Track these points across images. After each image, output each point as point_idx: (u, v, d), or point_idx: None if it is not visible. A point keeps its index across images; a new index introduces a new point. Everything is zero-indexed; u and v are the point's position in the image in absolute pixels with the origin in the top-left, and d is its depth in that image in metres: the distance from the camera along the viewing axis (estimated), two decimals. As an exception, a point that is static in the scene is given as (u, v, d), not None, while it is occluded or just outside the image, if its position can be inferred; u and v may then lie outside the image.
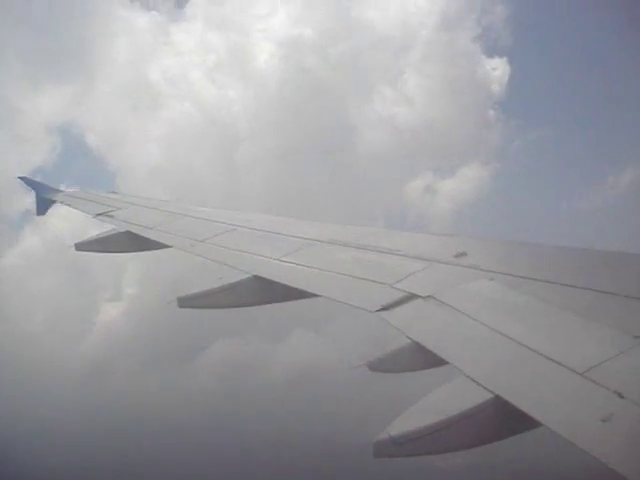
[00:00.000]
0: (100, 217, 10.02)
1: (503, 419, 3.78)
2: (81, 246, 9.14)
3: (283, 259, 6.87)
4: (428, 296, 5.24)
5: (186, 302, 6.65)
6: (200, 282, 6.93)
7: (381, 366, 5.62)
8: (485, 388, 3.85)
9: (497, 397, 3.75)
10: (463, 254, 5.94)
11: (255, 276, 6.59)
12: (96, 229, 9.70)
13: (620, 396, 3.38)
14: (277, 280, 6.44)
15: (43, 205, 12.51)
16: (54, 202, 12.14)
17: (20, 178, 13.43)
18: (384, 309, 5.28)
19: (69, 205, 11.58)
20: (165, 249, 8.40)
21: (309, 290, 6.12)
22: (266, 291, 6.54)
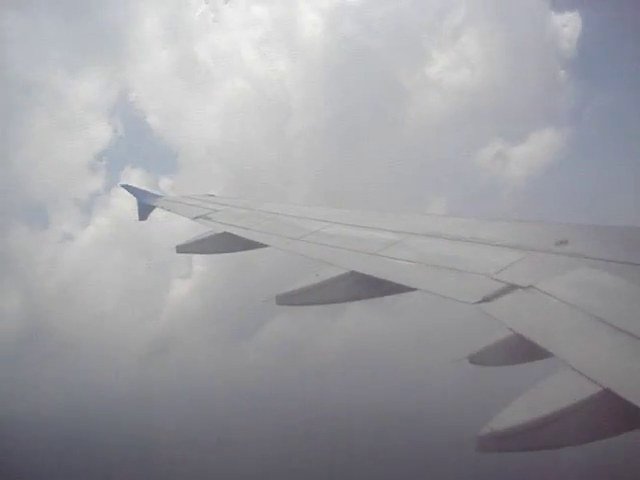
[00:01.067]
0: (198, 220, 10.34)
1: (614, 414, 3.64)
2: (182, 248, 9.49)
3: (379, 253, 6.86)
4: (529, 286, 5.11)
5: (284, 299, 6.75)
6: (298, 279, 7.02)
7: (482, 359, 5.54)
8: (594, 381, 3.72)
9: (607, 390, 3.61)
10: (564, 242, 5.77)
11: (352, 271, 6.61)
12: (195, 232, 9.97)
13: None
14: (374, 275, 6.44)
15: (144, 210, 13.04)
16: (154, 207, 12.61)
17: (122, 186, 14.01)
18: (485, 301, 5.19)
19: (169, 210, 12.01)
20: (263, 248, 8.57)
21: (407, 284, 6.08)
22: (363, 286, 6.55)
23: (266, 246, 8.49)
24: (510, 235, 6.36)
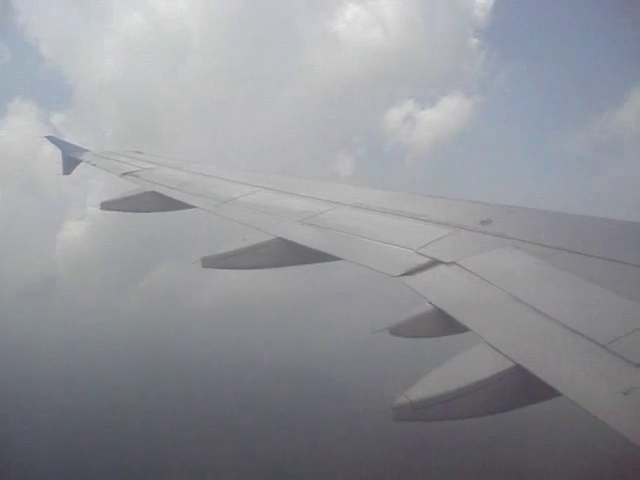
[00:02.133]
0: (126, 176, 10.07)
1: (522, 388, 3.78)
2: (107, 205, 9.20)
3: (307, 221, 6.87)
4: (452, 262, 5.23)
5: (210, 262, 6.69)
6: (224, 243, 6.96)
7: (403, 331, 5.63)
8: (506, 356, 3.85)
9: (518, 366, 3.75)
10: (488, 221, 5.90)
11: (279, 238, 6.60)
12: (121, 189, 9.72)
13: None
14: (301, 243, 6.45)
15: (69, 164, 12.58)
16: (80, 161, 12.20)
17: (47, 137, 13.50)
18: (407, 274, 5.28)
19: (95, 165, 11.64)
20: (190, 209, 8.44)
21: (332, 253, 6.13)
22: (290, 253, 6.55)
23: (193, 207, 8.36)
24: (436, 211, 6.46)
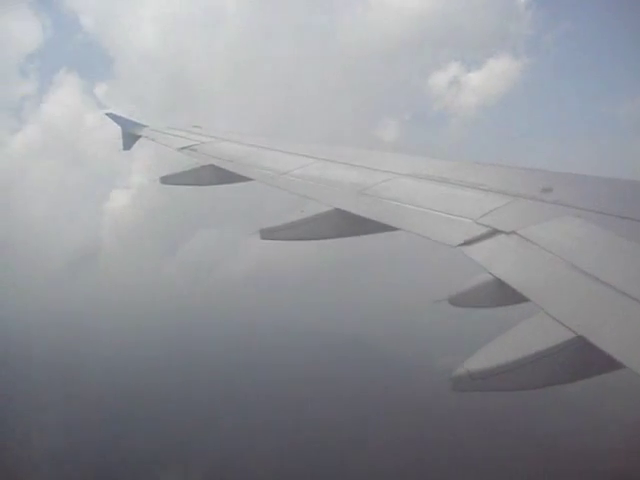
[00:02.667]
0: (184, 150, 10.23)
1: (584, 359, 3.73)
2: (166, 179, 9.36)
3: (365, 192, 6.86)
4: (512, 232, 5.15)
5: (268, 234, 6.76)
6: (283, 215, 7.02)
7: (462, 301, 5.61)
8: (567, 327, 3.80)
9: (579, 337, 3.69)
10: (549, 189, 5.79)
11: (337, 209, 6.62)
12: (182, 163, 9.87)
13: None
14: (358, 213, 6.45)
15: (129, 140, 12.84)
16: (139, 137, 12.44)
17: (107, 114, 13.76)
18: (466, 244, 5.23)
19: (154, 140, 11.84)
20: (248, 182, 8.52)
21: (390, 224, 6.12)
22: (348, 224, 6.57)
23: (251, 180, 8.44)
24: (496, 180, 6.37)
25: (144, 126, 12.79)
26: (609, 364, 3.51)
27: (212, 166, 9.13)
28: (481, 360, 3.92)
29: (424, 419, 42.92)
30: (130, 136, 12.75)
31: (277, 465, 41.94)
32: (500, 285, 4.70)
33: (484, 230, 5.32)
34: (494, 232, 5.25)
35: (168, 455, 43.50)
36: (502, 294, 4.76)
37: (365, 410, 45.95)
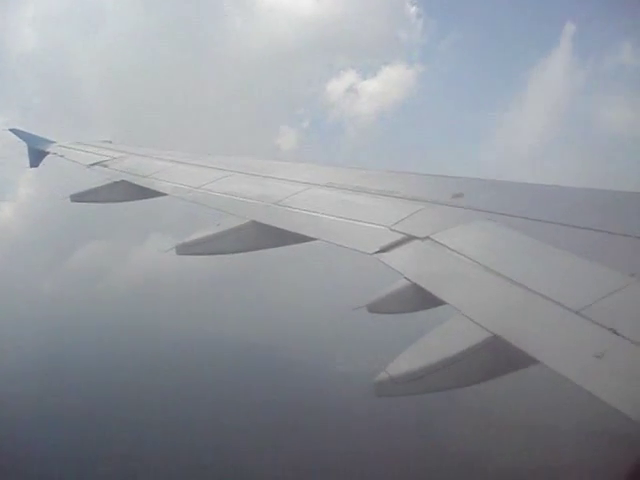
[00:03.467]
0: (94, 167, 9.97)
1: (500, 357, 3.85)
2: (76, 197, 9.09)
3: (280, 203, 6.86)
4: (426, 237, 5.26)
5: (185, 249, 6.67)
6: (196, 229, 6.93)
7: (380, 307, 5.67)
8: (483, 327, 3.91)
9: (495, 336, 3.81)
10: (460, 195, 5.95)
11: (253, 221, 6.60)
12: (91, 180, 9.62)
13: (614, 333, 3.44)
14: (275, 225, 6.45)
15: (36, 157, 12.42)
16: (47, 153, 12.05)
17: (11, 130, 13.27)
18: (382, 251, 5.31)
19: (62, 156, 11.49)
20: (162, 197, 8.38)
21: (307, 234, 6.14)
22: (264, 236, 6.56)
23: (165, 194, 8.31)
24: (407, 187, 6.49)
25: (51, 142, 12.40)
26: (524, 360, 3.64)
27: (124, 182, 8.94)
28: (402, 364, 3.99)
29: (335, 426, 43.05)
30: (37, 152, 12.33)
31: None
32: (417, 290, 4.79)
33: (399, 237, 5.42)
34: (409, 238, 5.36)
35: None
36: (419, 298, 4.84)
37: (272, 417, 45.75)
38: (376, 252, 5.33)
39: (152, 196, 8.54)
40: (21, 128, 12.83)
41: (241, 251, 6.79)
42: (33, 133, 13.04)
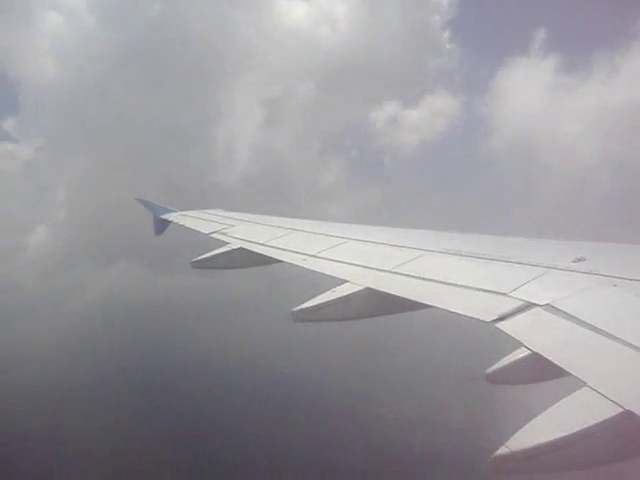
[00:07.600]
0: (214, 235, 10.43)
1: (633, 435, 3.58)
2: (198, 263, 9.54)
3: (395, 270, 6.84)
4: (547, 304, 5.06)
5: (300, 315, 6.74)
6: (313, 296, 6.99)
7: (499, 378, 5.48)
8: (613, 401, 3.66)
9: (627, 412, 3.55)
10: (582, 259, 5.73)
11: (368, 288, 6.59)
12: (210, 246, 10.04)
13: None
14: (390, 292, 6.41)
15: (160, 225, 13.18)
16: (170, 222, 12.76)
17: (138, 200, 14.12)
18: (500, 319, 5.14)
19: (184, 224, 12.12)
20: (278, 264, 8.58)
21: (422, 301, 6.05)
22: (379, 303, 6.53)
23: (281, 262, 8.49)
24: (527, 252, 6.33)
25: (173, 211, 13.15)
26: None
27: (242, 249, 9.25)
28: (524, 439, 3.78)
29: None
30: (161, 221, 13.10)
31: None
32: (538, 359, 4.58)
33: (518, 304, 5.24)
34: (529, 305, 5.17)
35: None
36: (541, 369, 4.63)
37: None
38: (494, 320, 5.16)
39: (269, 263, 8.75)
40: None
41: (357, 318, 6.78)
42: (157, 203, 13.84)
